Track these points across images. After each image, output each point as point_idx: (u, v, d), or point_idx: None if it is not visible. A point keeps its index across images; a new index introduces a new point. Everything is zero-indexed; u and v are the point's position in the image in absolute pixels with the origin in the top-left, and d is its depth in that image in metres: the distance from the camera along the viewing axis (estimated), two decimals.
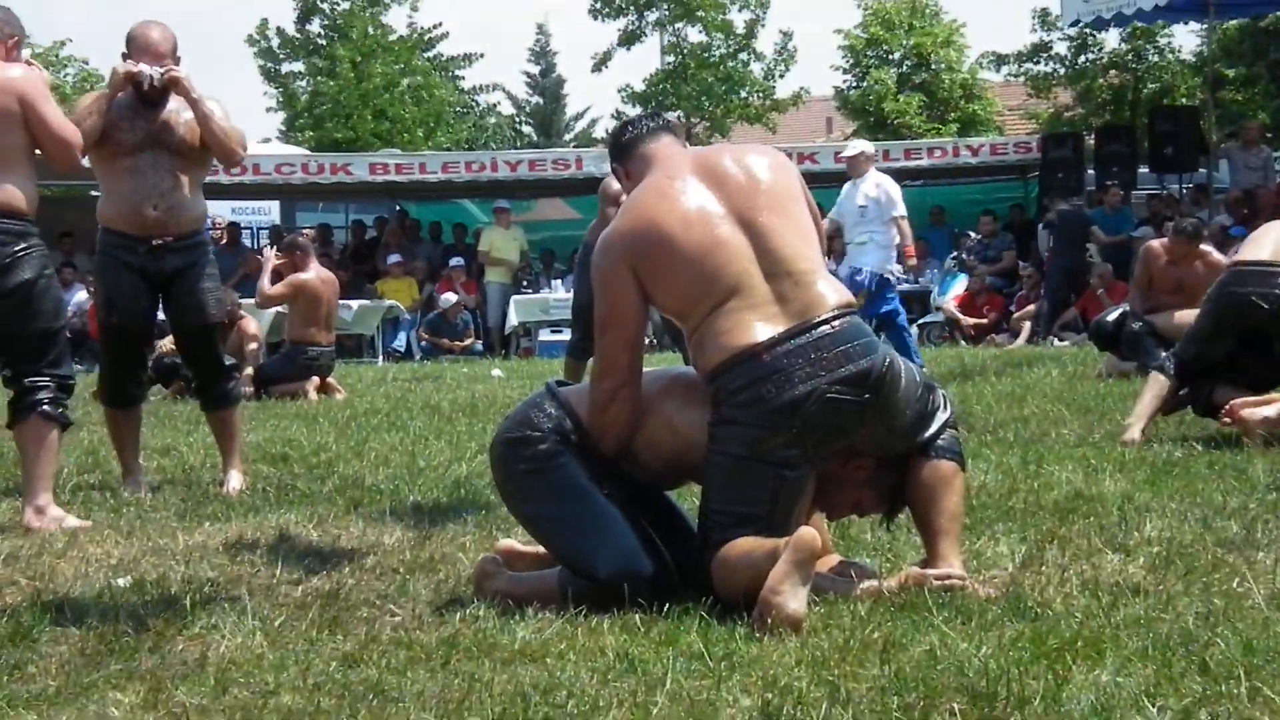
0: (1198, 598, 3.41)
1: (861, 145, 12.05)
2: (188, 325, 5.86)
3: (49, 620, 3.53)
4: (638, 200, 3.70)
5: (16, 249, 5.05)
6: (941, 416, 3.66)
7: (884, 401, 3.51)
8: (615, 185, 8.81)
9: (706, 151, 3.91)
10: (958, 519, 3.69)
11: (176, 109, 5.68)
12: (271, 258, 11.48)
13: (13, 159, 5.07)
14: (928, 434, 3.62)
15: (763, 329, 3.49)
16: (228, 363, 6.02)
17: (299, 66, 26.81)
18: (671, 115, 9.25)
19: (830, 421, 3.46)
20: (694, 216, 3.60)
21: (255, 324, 12.21)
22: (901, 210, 11.41)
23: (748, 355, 3.47)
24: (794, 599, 3.21)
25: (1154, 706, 2.58)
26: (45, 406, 5.08)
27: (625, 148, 3.89)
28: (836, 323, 3.51)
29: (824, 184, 19.96)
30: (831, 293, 3.58)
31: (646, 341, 14.00)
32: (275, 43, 26.43)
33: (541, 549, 3.80)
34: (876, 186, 11.39)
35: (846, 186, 11.63)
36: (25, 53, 5.36)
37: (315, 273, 11.24)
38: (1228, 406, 6.21)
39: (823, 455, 3.52)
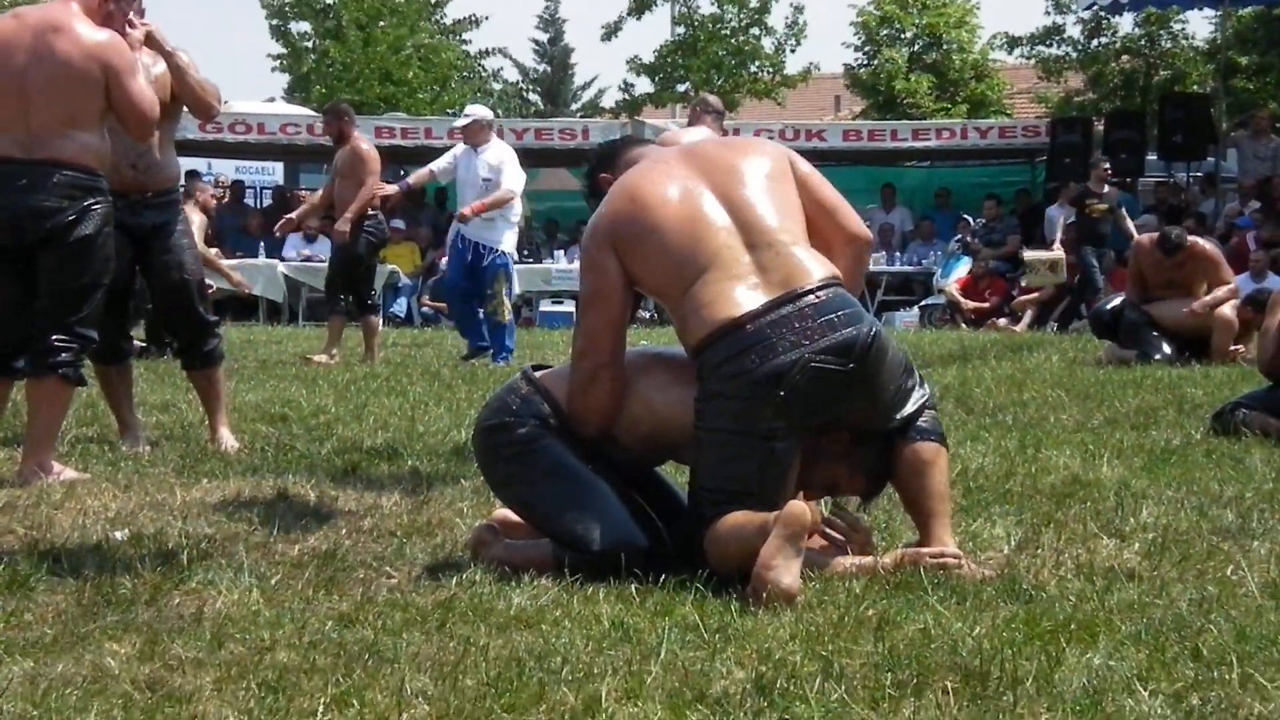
0: (1192, 585, 3.42)
1: (477, 111, 11.16)
2: (169, 282, 5.80)
3: (46, 570, 3.54)
4: (621, 182, 3.79)
5: (85, 203, 5.08)
6: (918, 395, 3.67)
7: (868, 371, 3.50)
8: None
9: (693, 142, 4.05)
10: (946, 498, 3.70)
11: (145, 64, 5.55)
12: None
13: (88, 119, 5.09)
14: (906, 412, 3.62)
15: (746, 299, 3.50)
16: (210, 319, 5.98)
17: (306, 27, 26.70)
18: (711, 97, 9.18)
19: (816, 391, 3.45)
20: (673, 193, 3.66)
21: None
22: (518, 186, 10.67)
23: (731, 327, 3.48)
24: (787, 573, 3.23)
25: (1146, 691, 2.59)
26: (66, 369, 5.09)
27: (609, 157, 4.04)
28: (821, 293, 3.51)
29: (831, 162, 20.03)
30: (815, 264, 3.58)
31: (649, 316, 13.94)
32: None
33: None
34: (499, 158, 10.65)
35: (461, 154, 10.85)
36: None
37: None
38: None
39: (808, 426, 3.52)
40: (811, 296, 3.50)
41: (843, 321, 3.49)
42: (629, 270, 3.65)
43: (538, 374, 3.78)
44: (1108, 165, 16.21)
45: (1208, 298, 9.97)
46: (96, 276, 5.16)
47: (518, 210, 10.90)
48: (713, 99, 8.99)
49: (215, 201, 11.42)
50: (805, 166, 3.81)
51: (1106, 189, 15.50)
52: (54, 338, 5.07)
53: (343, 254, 10.68)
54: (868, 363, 3.49)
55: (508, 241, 10.77)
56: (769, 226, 3.60)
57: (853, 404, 3.55)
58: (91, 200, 5.11)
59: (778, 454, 3.49)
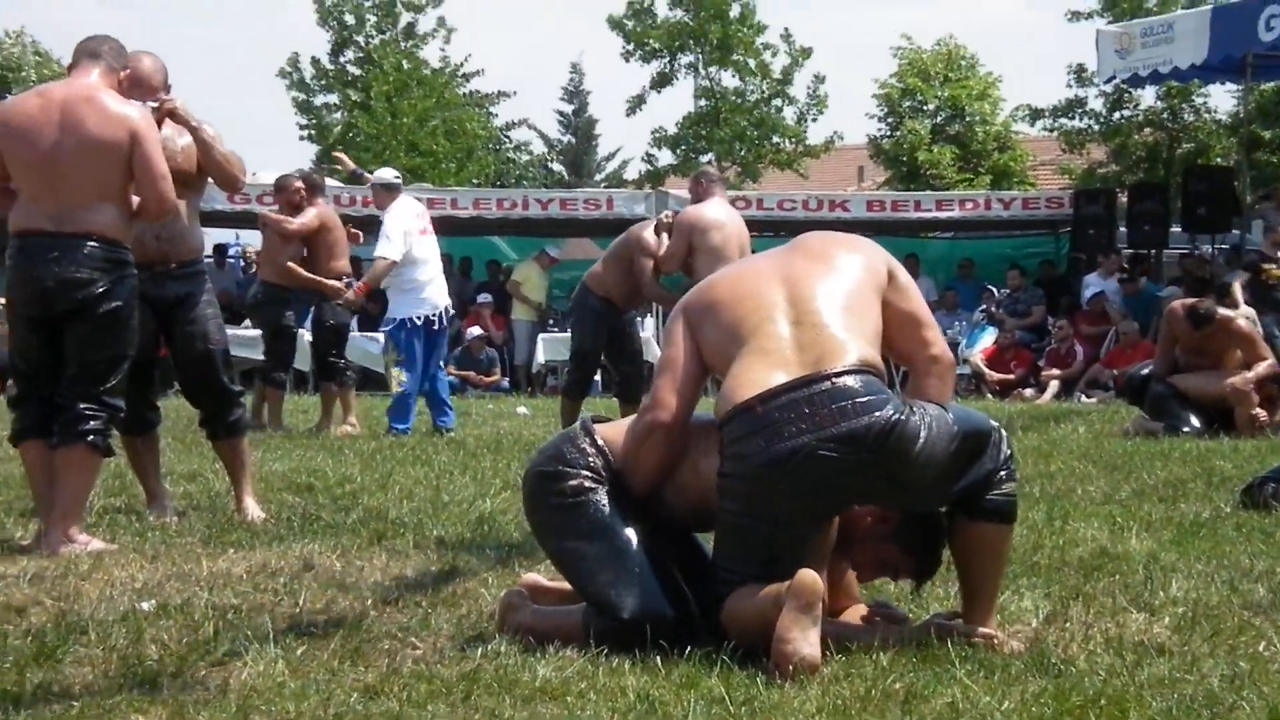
0: (1223, 660, 3.39)
1: (377, 174, 10.70)
2: (192, 353, 5.84)
3: (73, 641, 3.55)
4: None
5: (115, 275, 5.17)
6: (984, 465, 3.50)
7: (889, 460, 3.37)
8: (649, 235, 8.84)
9: (812, 234, 4.04)
10: (998, 579, 3.65)
11: (170, 136, 5.61)
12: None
13: (114, 190, 5.19)
14: (965, 483, 3.47)
15: (766, 378, 3.45)
16: (235, 389, 6.01)
17: (333, 99, 27.03)
18: (709, 168, 9.28)
19: (824, 479, 3.37)
20: (744, 272, 3.82)
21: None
22: (386, 251, 9.99)
23: (744, 407, 3.45)
24: (805, 644, 3.21)
25: None
26: (94, 437, 5.13)
27: None
28: (843, 379, 3.42)
29: (855, 233, 20.07)
30: (853, 347, 3.49)
31: None
32: (309, 74, 26.67)
33: (566, 585, 3.80)
34: (383, 229, 10.08)
35: None
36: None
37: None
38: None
39: (821, 512, 3.46)
40: (828, 382, 3.40)
41: (856, 410, 3.36)
42: (699, 345, 3.69)
43: (597, 426, 3.80)
44: None
45: (1249, 374, 9.83)
46: (124, 348, 5.22)
47: (410, 275, 10.25)
48: (711, 169, 9.06)
49: (301, 198, 10.72)
50: (905, 277, 3.77)
51: None
52: (82, 406, 5.12)
53: (318, 322, 10.80)
54: (884, 453, 3.35)
55: (400, 308, 10.32)
56: (819, 307, 3.56)
57: (880, 492, 3.46)
58: (120, 273, 5.17)
59: (788, 539, 3.42)
